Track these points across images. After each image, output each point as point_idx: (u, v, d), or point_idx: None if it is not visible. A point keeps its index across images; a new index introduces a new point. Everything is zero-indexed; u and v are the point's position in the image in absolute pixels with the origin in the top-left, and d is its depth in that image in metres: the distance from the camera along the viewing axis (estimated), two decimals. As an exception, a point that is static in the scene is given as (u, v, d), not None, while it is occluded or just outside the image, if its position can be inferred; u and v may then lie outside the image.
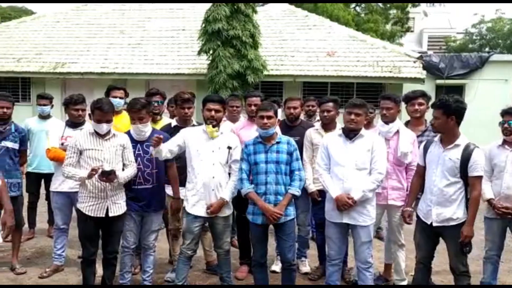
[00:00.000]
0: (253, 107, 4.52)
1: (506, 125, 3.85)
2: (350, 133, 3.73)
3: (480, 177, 3.46)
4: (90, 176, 3.54)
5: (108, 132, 3.71)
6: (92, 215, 3.61)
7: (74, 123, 4.41)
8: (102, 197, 3.61)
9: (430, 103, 4.28)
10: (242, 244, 4.72)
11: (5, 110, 4.47)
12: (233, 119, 5.03)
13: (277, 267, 4.63)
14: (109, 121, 3.66)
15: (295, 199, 3.86)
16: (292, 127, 4.68)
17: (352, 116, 3.68)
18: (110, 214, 3.64)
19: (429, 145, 3.68)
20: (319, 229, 4.57)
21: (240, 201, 4.37)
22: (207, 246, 4.58)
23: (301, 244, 4.82)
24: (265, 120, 3.69)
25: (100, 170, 3.50)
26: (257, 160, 3.73)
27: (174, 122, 4.43)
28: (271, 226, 3.86)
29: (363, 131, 3.76)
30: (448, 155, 3.50)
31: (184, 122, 4.32)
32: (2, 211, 3.35)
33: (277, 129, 4.38)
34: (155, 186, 3.89)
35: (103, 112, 3.61)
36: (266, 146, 3.74)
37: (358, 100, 3.82)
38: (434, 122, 3.54)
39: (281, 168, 3.71)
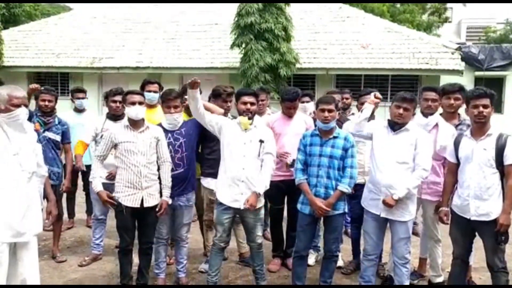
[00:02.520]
0: (291, 110, 4.47)
1: None
2: (395, 126, 3.67)
3: None
4: (100, 196, 3.75)
5: (142, 125, 3.79)
6: (128, 204, 3.70)
7: (114, 115, 4.53)
8: (137, 188, 3.70)
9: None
10: (275, 237, 4.73)
11: (47, 103, 4.63)
12: (260, 112, 5.02)
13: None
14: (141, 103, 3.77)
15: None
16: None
17: (401, 111, 3.62)
18: (145, 205, 3.72)
19: (460, 141, 3.60)
20: (354, 223, 4.55)
21: (274, 193, 4.39)
22: (240, 238, 4.62)
23: (341, 236, 4.81)
24: (326, 114, 3.70)
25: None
26: (311, 152, 3.77)
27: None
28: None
29: (409, 124, 3.69)
30: (482, 145, 3.44)
31: (223, 115, 4.35)
32: (46, 201, 3.48)
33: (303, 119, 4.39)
34: (186, 169, 3.98)
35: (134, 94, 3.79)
36: (322, 139, 3.75)
37: (408, 94, 3.72)
38: (482, 110, 3.42)
39: (334, 163, 3.70)
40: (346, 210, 3.83)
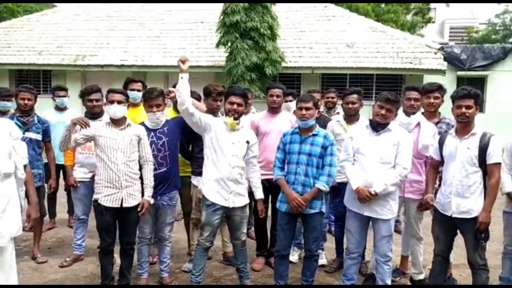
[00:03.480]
0: (275, 98, 4.56)
1: None
2: (378, 126, 3.70)
3: (498, 164, 3.46)
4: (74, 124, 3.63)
5: (124, 123, 3.76)
6: (107, 205, 3.66)
7: (92, 114, 4.47)
8: (117, 187, 3.66)
9: (445, 96, 4.23)
10: (259, 236, 4.74)
11: (26, 101, 4.55)
12: (244, 112, 5.03)
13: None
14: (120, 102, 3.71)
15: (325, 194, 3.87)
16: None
17: (383, 111, 3.64)
18: (125, 205, 3.68)
19: (444, 139, 3.66)
20: (337, 222, 4.57)
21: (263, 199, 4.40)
22: (226, 237, 4.62)
23: (320, 235, 4.83)
24: (304, 112, 3.73)
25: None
26: (291, 150, 3.80)
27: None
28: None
29: (390, 125, 3.72)
30: (466, 144, 3.50)
31: (213, 114, 4.33)
32: (26, 203, 3.42)
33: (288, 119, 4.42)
34: (169, 168, 3.96)
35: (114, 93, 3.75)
36: (302, 137, 3.78)
37: (393, 95, 3.73)
38: (465, 111, 3.47)
39: (313, 160, 3.72)
40: (324, 210, 3.84)
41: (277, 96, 4.59)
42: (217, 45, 10.88)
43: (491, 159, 3.42)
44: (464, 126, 3.54)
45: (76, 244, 4.66)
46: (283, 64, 10.94)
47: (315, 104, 3.79)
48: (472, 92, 3.51)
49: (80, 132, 3.71)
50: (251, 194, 4.10)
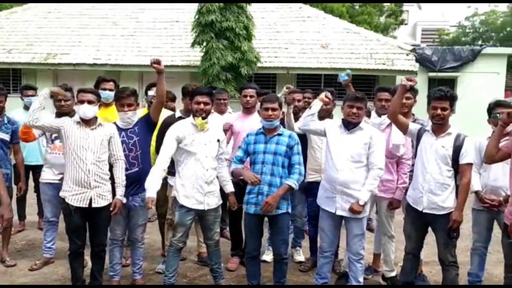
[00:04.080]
0: (248, 98, 4.57)
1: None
2: (349, 125, 3.74)
3: (470, 165, 3.54)
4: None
5: (94, 123, 3.69)
6: (75, 204, 3.58)
7: (62, 114, 4.36)
8: (86, 187, 3.59)
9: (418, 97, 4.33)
10: (234, 236, 4.74)
11: None
12: (221, 111, 5.03)
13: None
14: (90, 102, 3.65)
15: (292, 193, 3.88)
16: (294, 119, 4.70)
17: (354, 110, 3.69)
18: (94, 205, 3.62)
19: (422, 133, 3.72)
20: (311, 221, 4.61)
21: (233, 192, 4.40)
22: (201, 237, 4.58)
23: (296, 234, 4.90)
24: (270, 112, 3.72)
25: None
26: (256, 150, 3.78)
27: (178, 113, 4.42)
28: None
29: (362, 124, 3.77)
30: (441, 143, 3.57)
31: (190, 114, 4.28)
32: None
33: None
34: (141, 168, 3.90)
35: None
36: (267, 137, 3.78)
37: (360, 93, 3.81)
38: (440, 113, 3.54)
39: (278, 160, 3.72)
40: (290, 210, 3.84)
41: (251, 96, 4.61)
42: (192, 45, 10.82)
43: (464, 159, 3.50)
44: (439, 126, 3.61)
45: (46, 247, 4.55)
46: (259, 64, 10.96)
47: (280, 105, 3.81)
48: (448, 93, 3.57)
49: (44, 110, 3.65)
50: (223, 193, 4.10)
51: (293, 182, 3.70)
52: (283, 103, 4.22)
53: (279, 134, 3.79)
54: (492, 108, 3.97)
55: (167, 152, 3.68)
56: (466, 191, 3.51)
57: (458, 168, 3.54)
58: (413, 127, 3.80)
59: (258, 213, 3.76)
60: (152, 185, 3.54)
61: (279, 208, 3.74)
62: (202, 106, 3.72)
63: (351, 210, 3.64)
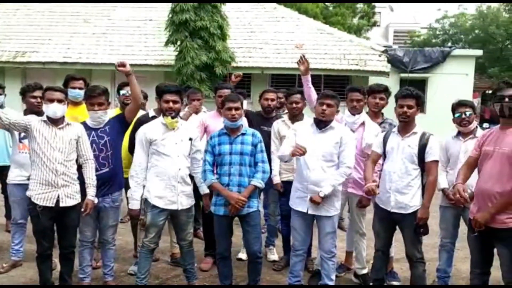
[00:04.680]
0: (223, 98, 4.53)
1: (463, 116, 3.97)
2: (321, 124, 3.77)
3: (436, 162, 3.62)
4: None
5: (62, 122, 3.62)
6: (41, 203, 3.50)
7: (34, 112, 4.26)
8: (53, 186, 3.51)
9: (390, 97, 4.41)
10: (207, 236, 4.71)
11: None
12: (197, 111, 5.00)
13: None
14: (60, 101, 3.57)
15: (262, 191, 3.88)
16: (267, 119, 4.72)
17: (324, 107, 3.72)
18: (61, 204, 3.54)
19: (389, 136, 3.80)
20: (284, 220, 4.63)
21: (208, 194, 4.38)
22: (174, 238, 4.54)
23: (270, 233, 4.91)
24: (233, 112, 3.70)
25: None
26: (221, 151, 3.74)
27: (152, 112, 4.37)
28: (235, 219, 3.88)
29: (334, 123, 3.80)
30: (407, 142, 3.65)
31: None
32: None
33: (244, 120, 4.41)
34: (111, 168, 3.85)
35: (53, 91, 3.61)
36: (231, 137, 3.75)
37: (330, 91, 3.85)
38: (406, 111, 3.61)
39: (245, 159, 3.72)
40: (260, 208, 3.85)
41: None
42: (166, 44, 10.74)
43: (429, 157, 3.59)
44: (405, 125, 3.69)
45: (14, 250, 4.43)
46: (233, 64, 10.97)
47: (242, 104, 3.80)
48: (414, 92, 3.66)
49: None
50: (196, 193, 4.08)
51: (258, 181, 3.71)
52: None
53: (243, 134, 3.78)
54: (455, 108, 4.08)
55: (141, 160, 3.73)
56: (433, 188, 3.60)
57: (424, 167, 3.62)
58: (378, 141, 3.87)
59: (227, 214, 3.74)
60: (134, 196, 3.71)
61: (250, 207, 3.74)
62: (171, 104, 3.68)
63: (311, 200, 3.67)
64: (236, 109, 3.70)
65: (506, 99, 3.19)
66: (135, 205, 3.72)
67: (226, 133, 3.78)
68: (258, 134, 3.85)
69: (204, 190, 3.93)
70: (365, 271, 4.32)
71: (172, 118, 3.68)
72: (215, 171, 3.83)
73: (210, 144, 3.80)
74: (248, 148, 3.73)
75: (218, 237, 3.89)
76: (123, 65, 3.77)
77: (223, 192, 3.70)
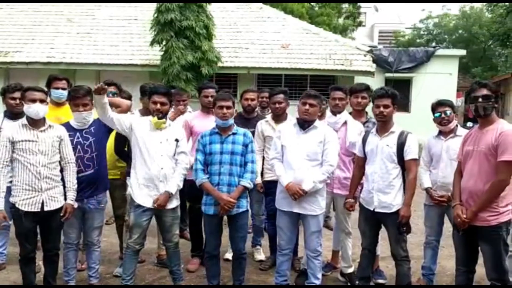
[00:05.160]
0: (209, 98, 4.53)
1: (443, 115, 4.02)
2: (304, 124, 3.78)
3: (415, 160, 3.66)
4: None
5: (43, 124, 3.56)
6: (26, 209, 3.45)
7: (13, 113, 4.20)
8: (37, 190, 3.46)
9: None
10: (194, 237, 4.70)
11: None
12: (183, 112, 4.97)
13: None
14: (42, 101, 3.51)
15: (249, 191, 3.88)
16: (248, 119, 4.72)
17: (307, 107, 3.73)
18: (46, 208, 3.49)
19: (367, 137, 3.84)
20: (270, 220, 4.64)
21: (193, 192, 4.36)
22: (161, 239, 4.52)
23: (255, 233, 4.92)
24: (225, 110, 3.70)
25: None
26: (212, 151, 3.74)
27: (137, 113, 4.33)
28: (225, 218, 3.87)
29: (317, 122, 3.82)
30: (385, 142, 3.68)
31: (149, 113, 4.20)
32: None
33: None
34: (96, 170, 3.81)
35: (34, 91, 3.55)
36: (222, 136, 3.76)
37: (312, 91, 3.87)
38: (383, 110, 3.65)
39: (236, 159, 3.72)
40: (248, 208, 3.88)
41: (212, 96, 4.58)
42: (152, 44, 10.64)
43: (408, 155, 3.62)
44: (383, 124, 3.73)
45: (-4, 253, 4.37)
46: (219, 64, 10.92)
47: (233, 103, 3.81)
48: (389, 92, 3.70)
49: None
50: (186, 194, 4.05)
51: (247, 182, 3.72)
52: None
53: (234, 133, 3.78)
54: (434, 107, 4.12)
55: (123, 114, 3.78)
56: (413, 187, 3.63)
57: (404, 165, 3.65)
58: (358, 144, 3.92)
59: (217, 213, 3.74)
60: None
61: (239, 207, 3.75)
62: (158, 106, 3.67)
63: (291, 193, 3.66)
64: (228, 108, 3.71)
65: (480, 99, 3.26)
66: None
67: (217, 132, 3.78)
68: (250, 134, 3.86)
69: (169, 188, 3.70)
70: (351, 270, 4.35)
71: (159, 119, 3.66)
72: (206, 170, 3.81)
73: (201, 143, 3.80)
74: (239, 147, 3.73)
75: (207, 235, 3.90)
76: (97, 90, 3.61)
77: (213, 192, 3.70)
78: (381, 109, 3.66)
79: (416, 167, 3.69)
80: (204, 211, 3.83)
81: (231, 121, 3.78)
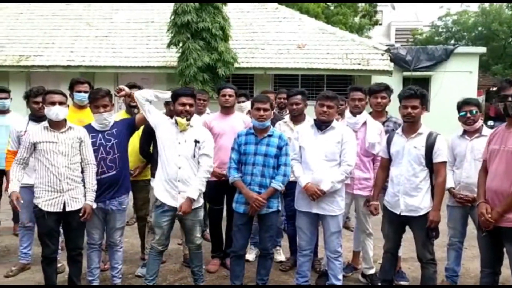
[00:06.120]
0: (227, 97, 4.55)
1: (468, 115, 3.95)
2: (322, 125, 3.77)
3: (444, 163, 3.57)
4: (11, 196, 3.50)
5: (64, 125, 3.63)
6: (49, 210, 3.52)
7: (37, 116, 4.28)
8: (58, 191, 3.53)
9: (392, 96, 4.40)
10: (214, 238, 4.72)
11: None
12: (200, 112, 5.01)
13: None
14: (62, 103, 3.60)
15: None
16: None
17: (325, 108, 3.72)
18: (67, 209, 3.55)
19: (392, 137, 3.77)
20: (290, 220, 4.63)
21: (213, 193, 4.38)
22: None
23: (275, 234, 4.89)
24: (262, 112, 3.75)
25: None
26: (246, 151, 3.80)
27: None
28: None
29: (334, 123, 3.81)
30: (413, 143, 3.60)
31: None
32: None
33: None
34: (119, 171, 3.85)
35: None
36: (257, 138, 3.80)
37: (330, 92, 3.85)
38: (411, 111, 3.55)
39: (269, 161, 3.75)
40: (280, 208, 3.90)
41: (230, 95, 4.59)
42: (168, 46, 10.76)
43: (437, 158, 3.52)
44: (410, 125, 3.64)
45: (22, 253, 4.46)
46: (236, 65, 10.97)
47: (271, 105, 3.85)
48: (418, 92, 3.59)
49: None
50: (206, 195, 4.07)
51: (277, 184, 3.73)
52: None
53: (270, 135, 3.81)
54: (460, 106, 4.05)
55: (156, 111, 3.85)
56: (442, 190, 3.55)
57: (432, 168, 3.56)
58: (382, 145, 3.87)
59: (247, 212, 3.78)
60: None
61: (269, 207, 3.78)
62: (187, 107, 3.70)
63: (305, 188, 3.68)
64: (265, 110, 3.75)
65: (510, 98, 3.18)
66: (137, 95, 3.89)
67: (253, 133, 3.82)
68: (285, 136, 3.88)
69: (190, 194, 3.68)
70: (372, 271, 4.31)
71: (188, 120, 3.70)
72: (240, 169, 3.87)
73: (237, 142, 3.86)
74: (273, 150, 3.76)
75: (235, 234, 3.92)
76: (120, 90, 3.87)
77: (243, 190, 3.76)
78: (409, 110, 3.56)
79: (445, 170, 3.58)
80: (234, 208, 3.88)
81: (268, 123, 3.82)
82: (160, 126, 3.77)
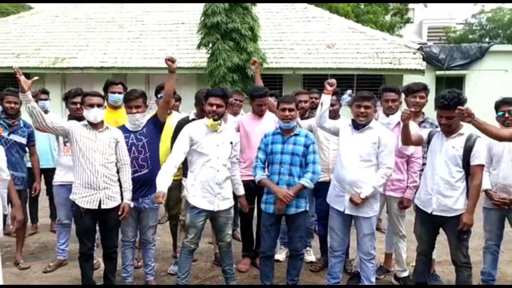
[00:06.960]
0: (263, 107, 4.57)
1: (507, 115, 3.84)
2: (359, 125, 3.75)
3: (481, 166, 3.47)
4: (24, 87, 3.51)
5: (101, 126, 3.74)
6: (85, 206, 3.62)
7: (75, 117, 4.41)
8: (95, 188, 3.62)
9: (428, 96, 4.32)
10: (245, 237, 4.75)
11: (13, 105, 4.58)
12: (234, 113, 5.05)
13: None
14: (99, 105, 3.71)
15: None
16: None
17: (362, 109, 3.70)
18: (103, 207, 3.65)
19: (433, 134, 3.70)
20: (321, 221, 4.61)
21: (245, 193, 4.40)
22: None
23: (305, 234, 4.87)
24: (287, 113, 3.76)
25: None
26: (273, 150, 3.82)
27: (192, 115, 4.43)
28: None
29: (372, 123, 3.77)
30: (452, 143, 3.52)
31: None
32: (10, 206, 3.39)
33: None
34: (150, 170, 3.91)
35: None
36: (284, 137, 3.82)
37: (366, 92, 3.81)
38: (446, 122, 3.47)
39: (296, 160, 3.75)
40: (308, 208, 3.89)
41: (265, 104, 4.60)
42: (198, 46, 10.85)
43: (475, 161, 3.43)
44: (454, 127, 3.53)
45: (59, 249, 4.60)
46: (265, 65, 10.97)
47: (297, 105, 3.84)
48: (452, 102, 3.39)
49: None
50: (234, 195, 4.10)
51: (306, 181, 3.71)
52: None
53: (296, 134, 3.82)
54: (498, 106, 3.94)
55: (179, 149, 3.68)
56: (477, 193, 3.44)
57: (469, 170, 3.47)
58: (424, 135, 3.77)
59: (276, 212, 3.78)
60: (161, 181, 3.47)
61: (298, 207, 3.78)
62: (214, 108, 3.72)
63: (350, 200, 3.66)
64: (290, 110, 3.76)
65: None
66: (160, 187, 3.45)
67: (280, 132, 3.85)
68: (311, 135, 3.88)
69: (240, 191, 3.99)
70: (405, 274, 4.25)
71: (215, 120, 3.72)
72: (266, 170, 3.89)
73: (264, 142, 3.89)
74: (300, 148, 3.76)
75: (264, 235, 3.93)
76: (171, 60, 3.87)
77: (271, 187, 3.75)
78: (444, 121, 3.47)
79: (482, 173, 3.48)
80: (263, 209, 3.89)
81: (294, 123, 3.82)
82: (194, 136, 3.70)
